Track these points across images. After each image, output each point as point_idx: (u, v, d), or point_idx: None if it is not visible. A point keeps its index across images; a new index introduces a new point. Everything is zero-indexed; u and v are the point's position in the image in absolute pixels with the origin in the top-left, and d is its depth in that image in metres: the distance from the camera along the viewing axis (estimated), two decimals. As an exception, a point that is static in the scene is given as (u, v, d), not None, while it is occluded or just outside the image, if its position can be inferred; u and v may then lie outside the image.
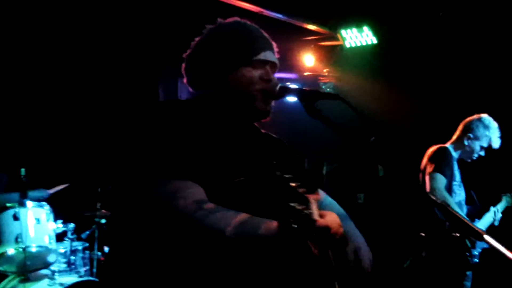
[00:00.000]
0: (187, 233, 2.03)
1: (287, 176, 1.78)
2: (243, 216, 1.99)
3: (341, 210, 2.76)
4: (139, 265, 2.19)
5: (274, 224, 1.90)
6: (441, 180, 5.02)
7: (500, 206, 5.52)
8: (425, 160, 5.34)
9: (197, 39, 2.49)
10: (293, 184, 1.77)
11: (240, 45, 2.37)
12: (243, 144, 2.37)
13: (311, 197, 1.81)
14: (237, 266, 2.11)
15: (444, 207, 1.83)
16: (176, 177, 2.07)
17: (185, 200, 2.01)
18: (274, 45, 2.51)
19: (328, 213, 1.93)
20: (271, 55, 2.45)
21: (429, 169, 5.16)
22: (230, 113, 2.40)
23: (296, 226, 1.72)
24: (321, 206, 2.66)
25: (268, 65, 2.42)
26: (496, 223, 5.37)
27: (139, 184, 2.11)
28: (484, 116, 5.36)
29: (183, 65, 2.50)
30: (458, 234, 4.90)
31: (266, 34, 2.50)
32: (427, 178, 5.11)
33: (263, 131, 2.62)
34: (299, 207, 1.72)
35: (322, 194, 2.79)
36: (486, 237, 1.76)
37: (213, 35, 2.45)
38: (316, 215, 1.78)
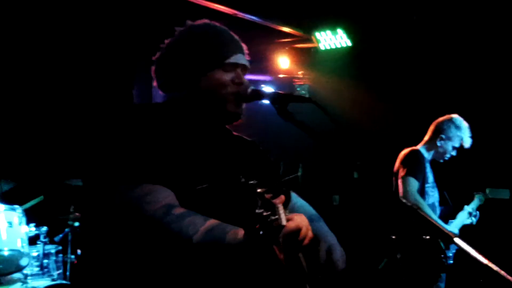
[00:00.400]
0: (155, 238, 2.04)
1: (253, 182, 1.77)
2: (211, 222, 1.99)
3: (313, 212, 2.76)
4: (110, 268, 2.19)
5: (241, 231, 1.90)
6: (414, 184, 5.05)
7: (473, 205, 5.55)
8: (397, 163, 5.36)
9: (166, 41, 2.48)
10: (260, 190, 1.76)
11: (211, 49, 2.36)
12: (212, 149, 2.36)
13: (279, 202, 1.80)
14: (204, 273, 2.11)
15: (415, 210, 1.83)
16: (146, 181, 2.07)
17: (154, 205, 2.02)
18: (245, 47, 2.50)
19: (296, 216, 1.92)
20: (242, 58, 2.44)
21: (401, 173, 5.18)
22: (201, 116, 2.39)
23: (262, 232, 1.71)
24: (293, 209, 2.67)
25: (239, 68, 2.41)
26: (474, 223, 5.39)
27: (109, 188, 2.10)
28: (455, 116, 5.39)
29: (153, 67, 2.48)
30: (428, 237, 4.92)
31: (236, 36, 2.49)
32: (399, 182, 5.13)
33: (235, 133, 2.62)
34: (266, 213, 1.71)
35: (294, 197, 2.79)
36: (457, 240, 1.76)
37: (183, 38, 2.44)
38: (283, 220, 1.77)
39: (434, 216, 5.10)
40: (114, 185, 2.10)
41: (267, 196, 1.77)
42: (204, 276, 2.11)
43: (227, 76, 2.36)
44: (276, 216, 1.74)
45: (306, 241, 1.92)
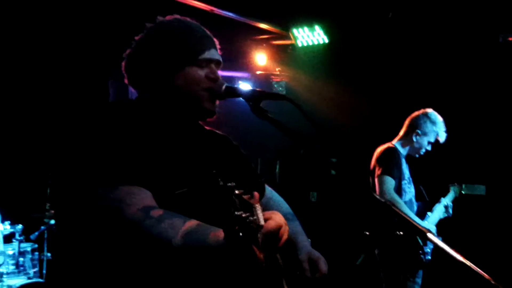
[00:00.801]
0: (135, 242, 2.02)
1: (230, 184, 1.77)
2: (190, 224, 1.97)
3: (288, 210, 2.77)
4: (91, 274, 2.17)
5: (221, 233, 1.88)
6: (390, 182, 5.05)
7: (449, 198, 5.57)
8: (373, 160, 5.36)
9: (137, 38, 2.44)
10: (238, 192, 1.76)
11: (183, 45, 2.33)
12: (187, 146, 2.35)
13: (256, 203, 1.79)
14: (185, 275, 2.10)
15: (389, 206, 1.83)
16: (123, 183, 2.05)
17: (132, 208, 1.99)
18: (217, 42, 2.48)
19: (274, 215, 1.92)
20: (216, 53, 2.43)
21: (377, 171, 5.17)
22: (175, 114, 2.38)
23: (241, 234, 1.71)
24: (267, 204, 2.68)
25: (213, 63, 2.40)
26: (450, 215, 5.42)
27: (85, 191, 2.07)
28: (430, 111, 5.39)
29: (123, 64, 2.45)
30: (402, 233, 4.94)
31: (208, 32, 2.47)
32: (376, 180, 5.14)
33: (207, 128, 2.60)
34: (244, 215, 1.71)
35: (269, 191, 2.79)
36: (430, 235, 1.76)
37: (153, 34, 2.41)
38: (261, 220, 1.77)
39: (410, 213, 5.11)
40: (90, 188, 2.07)
41: (245, 197, 1.77)
42: (185, 278, 2.10)
43: (201, 72, 2.34)
44: (255, 217, 1.74)
45: (283, 240, 1.92)
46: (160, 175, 2.13)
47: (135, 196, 2.03)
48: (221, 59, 2.45)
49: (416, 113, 5.42)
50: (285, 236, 1.92)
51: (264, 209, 2.45)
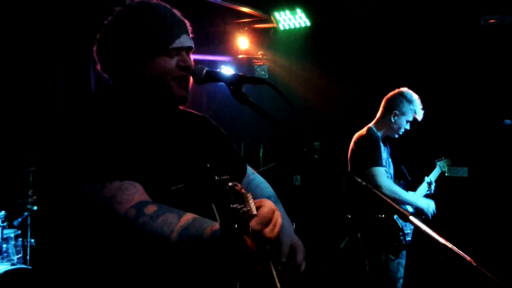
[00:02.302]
0: (130, 242, 1.99)
1: (224, 177, 1.76)
2: (186, 218, 1.94)
3: (271, 191, 2.76)
4: (73, 258, 2.15)
5: (216, 226, 1.87)
6: (381, 173, 5.02)
7: (434, 174, 5.58)
8: (351, 146, 5.33)
9: (106, 22, 2.36)
10: (231, 184, 1.75)
11: (152, 35, 2.26)
12: (167, 134, 2.32)
13: (248, 193, 1.79)
14: (182, 271, 2.09)
15: (369, 189, 1.83)
16: (112, 179, 2.00)
17: (124, 205, 1.96)
18: (188, 24, 2.41)
19: (264, 203, 1.91)
20: (186, 39, 2.35)
21: (362, 162, 5.12)
22: (149, 102, 2.34)
23: (237, 226, 1.71)
24: (248, 185, 2.67)
25: (184, 51, 2.34)
26: (432, 192, 5.43)
27: (72, 190, 2.02)
28: (405, 90, 5.35)
29: (94, 49, 2.38)
30: (383, 216, 4.95)
31: (178, 14, 2.39)
32: (367, 175, 5.03)
33: (181, 108, 2.55)
34: (239, 207, 1.71)
35: (250, 172, 2.77)
36: (412, 218, 1.77)
37: (122, 21, 2.31)
38: (253, 210, 1.77)
39: (412, 198, 5.17)
40: (76, 188, 2.01)
41: (237, 188, 1.76)
42: (182, 274, 2.10)
43: (172, 61, 2.30)
44: (248, 208, 1.74)
45: (277, 227, 1.92)
46: (147, 163, 2.10)
47: (125, 193, 1.98)
48: (192, 45, 2.39)
49: (391, 93, 5.39)
50: (279, 221, 1.92)
51: (246, 189, 2.46)
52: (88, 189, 1.99)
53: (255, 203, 1.82)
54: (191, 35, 2.41)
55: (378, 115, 5.40)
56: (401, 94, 5.31)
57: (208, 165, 1.76)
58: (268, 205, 1.91)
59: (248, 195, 1.78)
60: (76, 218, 2.10)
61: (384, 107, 5.36)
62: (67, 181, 2.04)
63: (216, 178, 1.77)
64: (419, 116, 5.30)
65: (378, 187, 4.93)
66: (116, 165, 2.02)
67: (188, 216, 1.95)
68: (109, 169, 2.01)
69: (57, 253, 2.23)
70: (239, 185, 1.78)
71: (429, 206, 5.21)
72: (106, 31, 2.34)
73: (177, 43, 2.30)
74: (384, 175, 5.03)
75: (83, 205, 2.01)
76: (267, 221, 1.87)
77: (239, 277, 1.99)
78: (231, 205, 1.71)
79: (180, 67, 2.31)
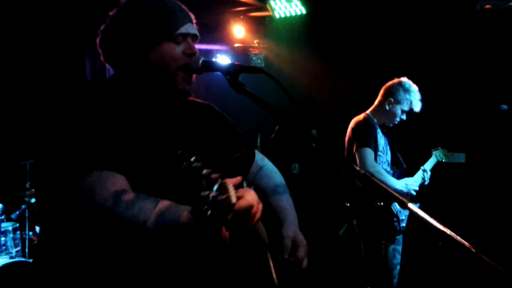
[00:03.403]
0: (107, 231, 2.00)
1: (196, 164, 1.74)
2: (162, 205, 1.96)
3: (281, 180, 2.76)
4: (69, 247, 2.15)
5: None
6: (369, 154, 5.03)
7: (430, 163, 5.57)
8: (348, 132, 5.34)
9: (111, 13, 2.38)
10: (205, 172, 1.74)
11: (159, 20, 2.27)
12: (162, 123, 2.31)
13: (227, 181, 1.77)
14: (160, 258, 2.10)
15: (368, 177, 1.83)
16: (92, 169, 2.00)
17: (101, 196, 1.96)
18: (193, 17, 2.43)
19: (246, 194, 1.90)
20: (192, 28, 2.37)
21: (355, 144, 5.15)
22: (151, 91, 2.33)
23: (210, 213, 1.69)
24: (258, 173, 2.66)
25: (189, 37, 2.35)
26: (427, 182, 5.42)
27: (55, 178, 2.03)
28: (404, 79, 5.36)
29: (98, 40, 2.38)
30: (381, 203, 4.96)
31: (184, 6, 2.41)
32: (356, 154, 5.10)
33: (189, 98, 2.54)
34: (212, 195, 1.69)
35: (260, 159, 2.76)
36: (410, 205, 1.77)
37: (128, 9, 2.33)
38: (233, 198, 1.75)
39: (392, 181, 5.13)
40: (59, 176, 2.03)
41: (214, 176, 1.75)
42: (161, 261, 2.10)
43: (178, 48, 2.30)
44: (224, 195, 1.72)
45: (255, 219, 1.91)
46: (129, 157, 2.09)
47: (105, 182, 1.99)
48: (198, 34, 2.40)
49: (390, 82, 5.40)
50: (257, 215, 1.91)
51: (255, 178, 2.44)
52: (68, 179, 2.01)
53: (237, 193, 1.80)
54: (195, 27, 2.42)
55: (375, 102, 5.41)
56: (399, 83, 5.33)
57: (180, 152, 1.75)
58: (250, 196, 1.91)
59: (229, 184, 1.76)
60: (61, 207, 2.12)
61: (382, 95, 5.37)
62: (51, 169, 2.07)
63: (185, 165, 1.76)
64: (416, 107, 5.29)
65: (364, 166, 4.97)
66: (97, 154, 2.03)
67: (165, 203, 1.97)
68: (89, 159, 2.01)
69: (50, 242, 2.24)
70: (215, 174, 1.77)
71: (407, 185, 5.21)
72: (112, 20, 2.35)
73: (183, 29, 2.31)
74: (373, 157, 5.05)
75: (64, 194, 2.04)
76: (245, 212, 1.87)
77: (215, 264, 1.99)
78: (203, 193, 1.70)
79: (187, 54, 2.30)
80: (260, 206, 1.95)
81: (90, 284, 2.11)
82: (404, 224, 5.11)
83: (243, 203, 1.84)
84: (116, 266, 2.09)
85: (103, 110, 2.15)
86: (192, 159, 1.77)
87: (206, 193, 1.68)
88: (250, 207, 1.86)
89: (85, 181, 1.98)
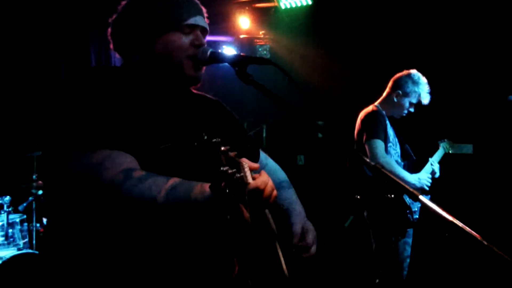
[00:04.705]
0: (116, 204, 1.96)
1: (216, 140, 1.73)
2: (174, 180, 1.93)
3: (283, 177, 2.75)
4: (76, 237, 2.13)
5: (207, 186, 1.84)
6: (381, 145, 4.98)
7: (437, 155, 5.54)
8: (358, 124, 5.29)
9: (123, 2, 2.40)
10: (223, 148, 1.73)
11: (168, 10, 2.28)
12: (171, 111, 2.32)
13: (244, 160, 1.77)
14: (171, 234, 2.08)
15: (378, 169, 1.81)
16: (103, 146, 2.00)
17: (113, 170, 1.94)
18: (204, 10, 2.44)
19: (261, 176, 1.89)
20: (201, 20, 2.38)
21: (365, 135, 5.09)
22: (158, 80, 2.34)
23: (228, 190, 1.68)
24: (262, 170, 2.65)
25: (198, 29, 2.35)
26: (437, 175, 5.39)
27: (64, 154, 2.01)
28: (413, 72, 5.30)
29: (109, 30, 2.40)
30: (392, 196, 4.94)
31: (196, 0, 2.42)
32: (365, 145, 5.04)
33: (195, 92, 2.57)
34: (231, 171, 1.68)
35: (264, 157, 2.77)
36: (421, 197, 1.75)
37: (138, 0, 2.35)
38: (249, 178, 1.74)
39: (404, 174, 5.08)
40: (69, 152, 2.00)
41: (231, 154, 1.74)
42: (171, 237, 2.09)
43: (186, 39, 2.31)
44: (241, 174, 1.71)
45: (271, 200, 1.89)
46: (141, 134, 2.10)
47: (115, 160, 1.97)
48: (207, 27, 2.41)
49: (399, 74, 5.35)
50: (273, 196, 1.89)
51: None
52: (78, 154, 1.99)
53: (252, 176, 1.80)
54: (206, 21, 2.43)
55: (384, 94, 5.38)
56: (408, 75, 5.27)
57: (198, 128, 1.74)
58: (265, 177, 1.88)
59: (245, 164, 1.75)
60: (69, 191, 2.10)
61: (390, 87, 5.34)
62: (61, 146, 2.03)
63: (206, 138, 1.75)
64: (424, 100, 5.25)
65: (374, 157, 4.92)
66: (109, 134, 2.02)
67: (176, 179, 1.94)
68: (100, 137, 2.01)
69: (57, 233, 2.23)
70: (233, 152, 1.76)
71: (420, 179, 5.15)
72: (123, 10, 2.37)
73: (192, 21, 2.32)
74: (383, 148, 5.00)
75: (72, 169, 2.00)
76: (261, 190, 1.84)
77: (232, 248, 1.97)
78: (222, 168, 1.69)
79: (194, 45, 2.31)
80: (274, 192, 1.92)
81: (97, 275, 2.09)
82: (417, 216, 5.07)
83: (259, 182, 1.81)
84: (124, 255, 2.07)
85: (114, 93, 2.17)
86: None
87: (225, 168, 1.67)
88: (263, 188, 1.83)
89: (96, 157, 1.97)
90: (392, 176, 1.82)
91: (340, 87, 8.19)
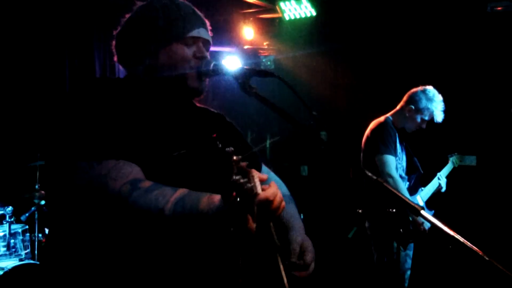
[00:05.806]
0: (123, 215, 1.95)
1: (229, 149, 1.73)
2: (181, 191, 1.92)
3: (285, 191, 2.75)
4: (79, 248, 2.13)
5: (215, 198, 1.84)
6: (392, 163, 4.96)
7: (446, 170, 5.51)
8: (367, 134, 5.26)
9: (127, 15, 2.41)
10: (236, 158, 1.73)
11: (171, 22, 2.31)
12: (177, 119, 2.32)
13: (253, 171, 1.76)
14: (177, 245, 2.07)
15: (380, 183, 1.81)
16: (109, 157, 1.99)
17: (118, 182, 1.93)
18: (207, 23, 2.46)
19: (271, 187, 1.88)
20: (204, 32, 2.40)
21: (376, 149, 5.05)
22: (161, 92, 2.34)
23: (239, 199, 1.67)
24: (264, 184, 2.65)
25: (200, 41, 2.37)
26: (443, 190, 5.37)
27: (69, 166, 2.01)
28: (429, 88, 5.26)
29: (113, 42, 2.42)
30: (394, 210, 4.92)
31: (199, 12, 2.44)
32: (376, 160, 5.01)
33: (198, 105, 2.58)
34: (242, 180, 1.67)
35: (266, 171, 2.77)
36: (423, 212, 1.76)
37: (143, 11, 2.38)
38: (258, 188, 1.74)
39: (404, 192, 5.06)
40: (75, 163, 1.99)
41: (243, 164, 1.73)
42: (177, 249, 2.07)
43: (189, 51, 2.32)
44: (252, 184, 1.71)
45: (279, 212, 1.88)
46: (151, 142, 2.10)
47: (121, 170, 1.97)
48: (210, 39, 2.43)
49: (415, 88, 5.30)
50: (281, 208, 1.89)
51: None
52: (84, 165, 1.98)
53: (261, 187, 1.79)
54: (210, 33, 2.45)
55: (398, 107, 5.35)
56: (424, 91, 5.23)
57: (214, 136, 1.74)
58: (274, 188, 1.88)
59: (254, 173, 1.75)
60: (72, 202, 2.09)
61: (405, 101, 5.29)
62: (65, 156, 2.03)
63: (220, 146, 1.74)
64: (438, 118, 5.22)
65: (383, 175, 4.89)
66: (114, 144, 2.02)
67: (184, 190, 1.93)
68: (106, 148, 2.00)
69: (58, 243, 2.22)
70: (244, 162, 1.76)
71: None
72: (127, 23, 2.40)
73: (195, 33, 2.34)
74: (393, 165, 4.96)
75: (78, 181, 1.99)
76: (271, 201, 1.83)
77: (237, 258, 1.96)
78: (234, 177, 1.69)
79: (197, 57, 2.33)
80: (283, 203, 1.92)
81: (99, 287, 2.09)
82: (428, 224, 5.00)
83: (269, 193, 1.81)
84: (127, 265, 2.06)
85: (118, 104, 2.16)
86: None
87: (237, 177, 1.66)
88: (272, 199, 1.83)
89: (102, 168, 1.96)
90: (394, 190, 1.83)
91: (344, 97, 8.20)
